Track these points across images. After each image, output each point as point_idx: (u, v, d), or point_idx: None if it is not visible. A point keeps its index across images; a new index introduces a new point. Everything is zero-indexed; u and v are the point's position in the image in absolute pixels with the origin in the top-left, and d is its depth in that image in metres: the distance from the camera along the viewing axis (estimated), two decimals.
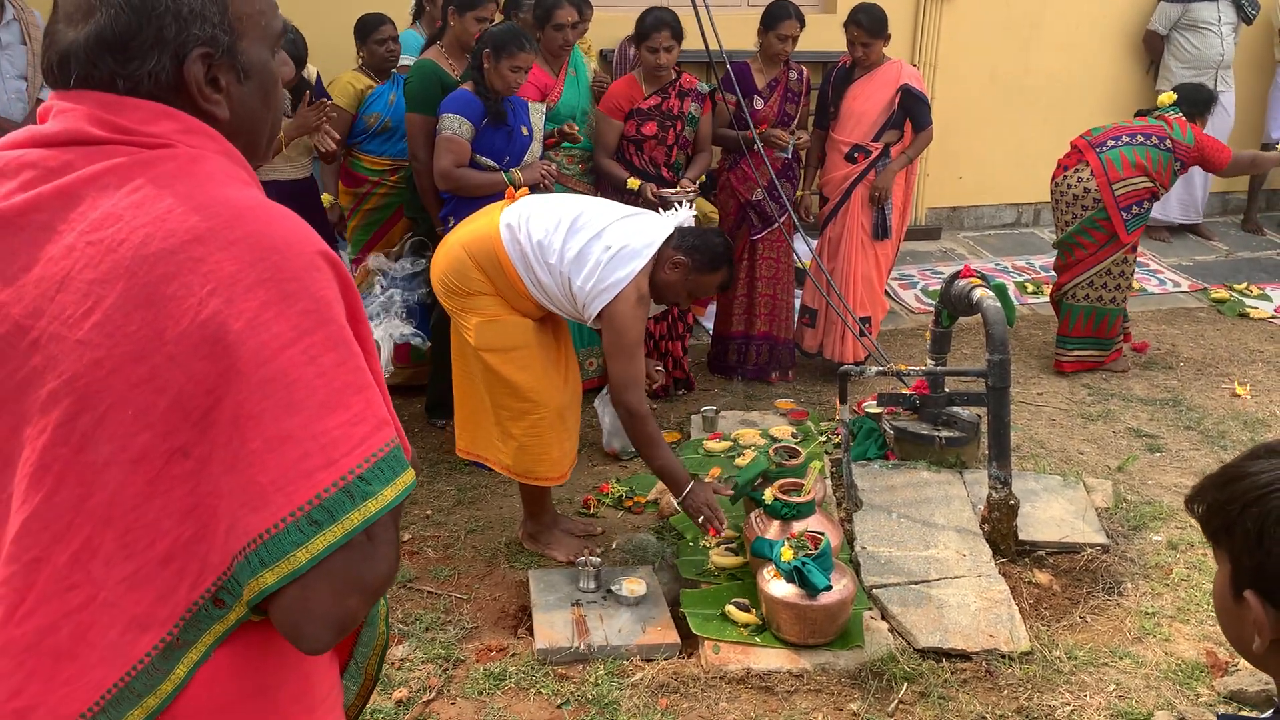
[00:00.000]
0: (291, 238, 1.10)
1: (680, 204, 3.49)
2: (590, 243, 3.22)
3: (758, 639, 3.08)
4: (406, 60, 4.94)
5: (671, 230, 3.31)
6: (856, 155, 4.97)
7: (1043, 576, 3.47)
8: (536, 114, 4.33)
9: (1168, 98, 5.18)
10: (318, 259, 1.11)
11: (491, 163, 4.08)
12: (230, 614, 1.11)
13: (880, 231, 5.05)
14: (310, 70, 4.52)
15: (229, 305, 1.04)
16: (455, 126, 4.00)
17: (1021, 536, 3.59)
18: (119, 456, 1.06)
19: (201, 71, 1.14)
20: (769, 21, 4.82)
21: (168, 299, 1.04)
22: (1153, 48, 7.42)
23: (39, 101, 5.11)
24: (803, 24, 4.85)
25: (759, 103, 4.89)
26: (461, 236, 3.41)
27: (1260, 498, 1.11)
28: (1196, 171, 7.33)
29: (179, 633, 1.10)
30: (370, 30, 4.82)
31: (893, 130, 4.96)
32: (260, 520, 1.05)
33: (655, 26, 4.53)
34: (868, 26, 4.89)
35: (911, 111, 4.97)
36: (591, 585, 3.33)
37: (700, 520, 3.37)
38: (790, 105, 4.98)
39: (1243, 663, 3.06)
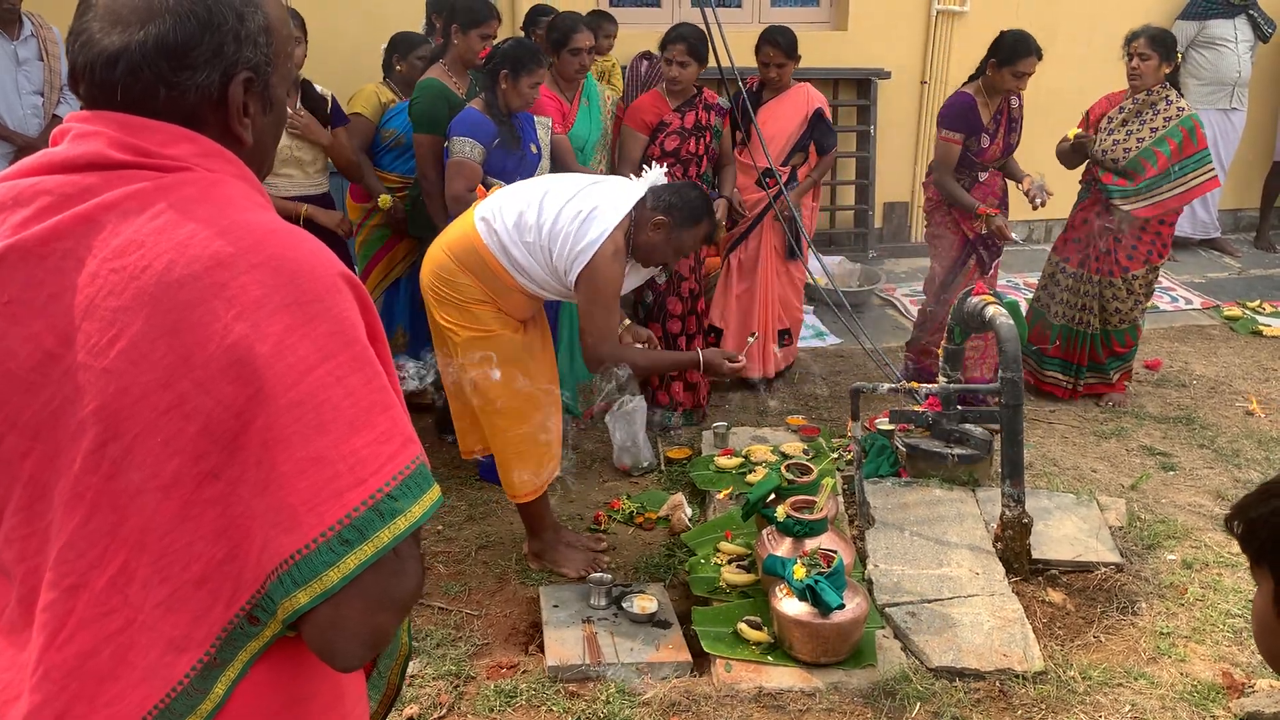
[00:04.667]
0: (313, 260, 1.11)
1: (651, 166, 3.47)
2: (562, 210, 3.23)
3: (770, 657, 3.06)
4: None
5: (644, 191, 3.32)
6: (767, 180, 4.93)
7: (1056, 595, 3.45)
8: (544, 130, 4.33)
9: None
10: (339, 281, 1.12)
11: (501, 184, 4.07)
12: (265, 630, 1.12)
13: (792, 252, 5.07)
14: (325, 92, 4.55)
15: (255, 329, 1.05)
16: (467, 150, 3.98)
17: (1035, 555, 3.57)
18: (150, 483, 1.07)
19: (241, 94, 1.17)
20: (1007, 57, 4.63)
21: (193, 325, 1.05)
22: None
23: (55, 118, 5.15)
24: (1040, 58, 4.70)
25: (985, 140, 4.78)
26: (443, 241, 3.43)
27: None
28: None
29: (216, 652, 1.11)
30: (411, 47, 4.87)
31: (799, 154, 4.97)
32: (292, 541, 1.06)
33: (673, 40, 4.60)
34: (785, 47, 4.86)
35: (819, 135, 4.99)
36: (602, 602, 3.32)
37: (728, 371, 3.50)
38: (1013, 136, 4.92)
39: (1260, 684, 3.04)
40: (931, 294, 5.07)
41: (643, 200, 3.30)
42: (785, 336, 5.25)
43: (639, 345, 3.68)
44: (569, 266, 3.22)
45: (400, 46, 4.93)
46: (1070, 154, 5.05)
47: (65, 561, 1.09)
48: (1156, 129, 4.85)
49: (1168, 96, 4.85)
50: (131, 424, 1.06)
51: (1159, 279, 5.77)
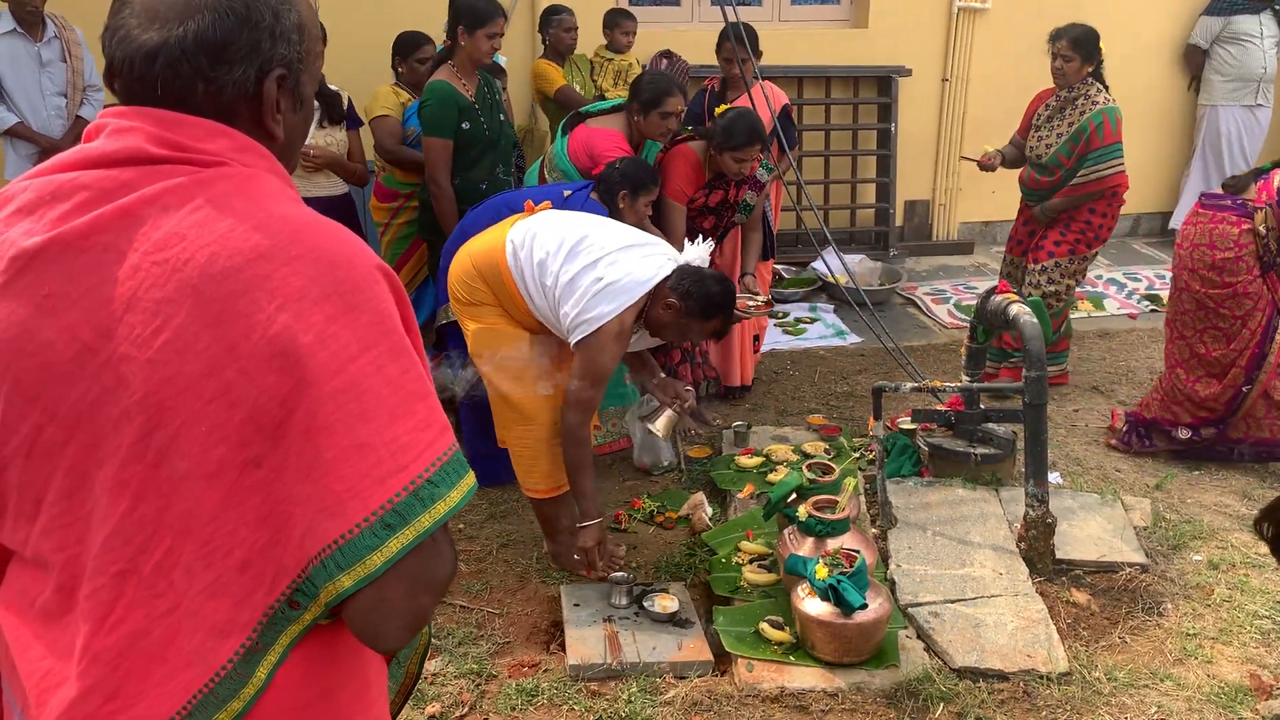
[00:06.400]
0: (350, 252, 1.13)
1: (701, 241, 3.41)
2: (584, 271, 3.18)
3: (792, 657, 3.05)
4: None
5: (671, 270, 3.25)
6: None
7: (1081, 596, 3.42)
8: None
9: None
10: (375, 272, 1.14)
11: (549, 204, 4.04)
12: (305, 614, 1.14)
13: (768, 251, 5.00)
14: (343, 93, 4.58)
15: (298, 319, 1.07)
16: None
17: (1059, 555, 3.54)
18: (195, 471, 1.09)
19: (275, 91, 1.19)
20: None
21: (237, 315, 1.07)
22: (1193, 63, 7.36)
23: (78, 119, 5.18)
24: None
25: None
26: (472, 248, 3.44)
27: None
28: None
29: (258, 636, 1.13)
30: (413, 49, 4.89)
31: (764, 152, 4.79)
32: (336, 526, 1.08)
33: (750, 142, 4.23)
34: (745, 42, 4.78)
35: (785, 131, 4.91)
36: (623, 601, 3.32)
37: (575, 558, 3.49)
38: None
39: None
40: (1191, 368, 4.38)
41: (667, 278, 3.24)
42: (756, 341, 5.14)
43: (673, 402, 3.59)
44: (571, 329, 3.20)
45: (402, 49, 4.92)
46: (1008, 158, 5.22)
47: (112, 549, 1.11)
48: (1073, 124, 4.87)
49: (1086, 92, 4.86)
50: (176, 413, 1.08)
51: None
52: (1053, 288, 5.02)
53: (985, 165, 5.24)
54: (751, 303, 4.13)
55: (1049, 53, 4.88)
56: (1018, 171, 5.26)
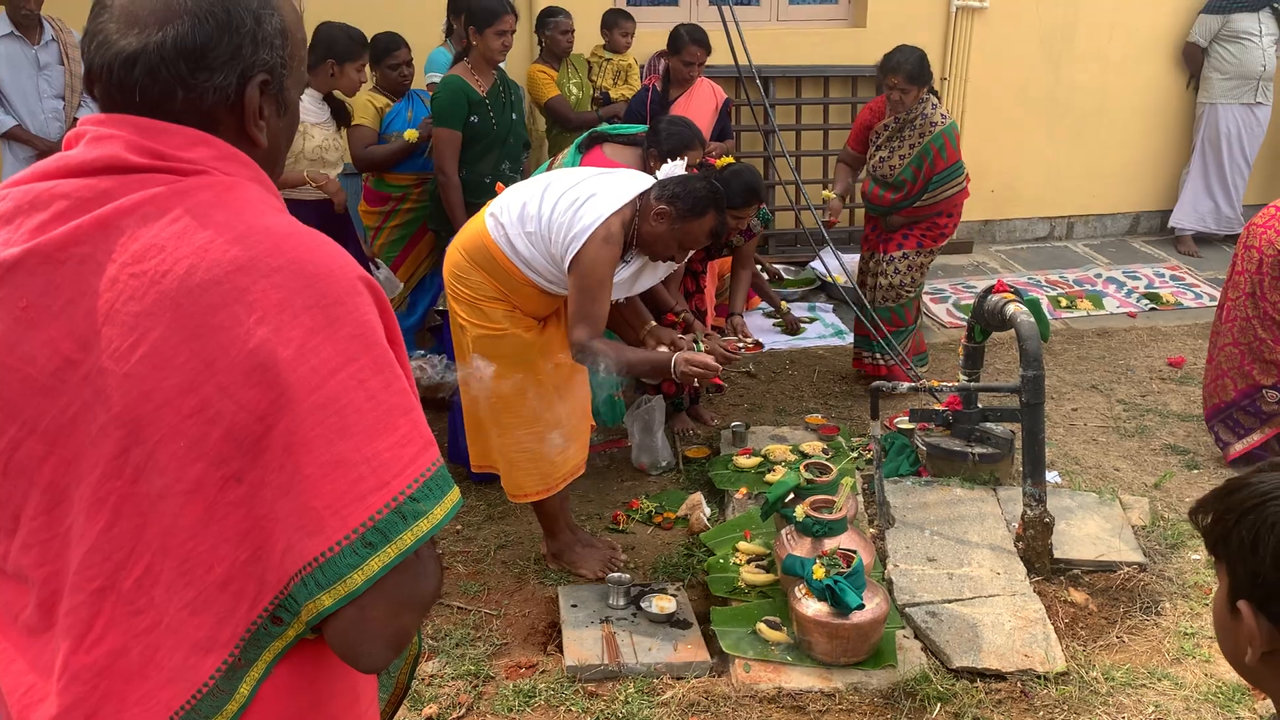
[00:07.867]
0: (332, 263, 1.11)
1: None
2: (561, 198, 3.22)
3: (789, 658, 3.05)
4: (434, 78, 4.98)
5: (651, 183, 3.29)
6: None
7: (1079, 595, 3.42)
8: None
9: None
10: (358, 284, 1.12)
11: (518, 179, 4.03)
12: (289, 630, 1.12)
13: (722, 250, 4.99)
14: (347, 101, 4.58)
15: (277, 333, 1.05)
16: None
17: (1057, 554, 3.54)
18: (174, 488, 1.07)
19: (258, 97, 1.17)
20: None
21: (215, 329, 1.05)
22: (1193, 60, 7.35)
23: (75, 121, 5.19)
24: None
25: None
26: (458, 241, 3.44)
27: (1257, 505, 1.12)
28: (1232, 182, 7.31)
29: (240, 653, 1.12)
30: (384, 54, 4.83)
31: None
32: (316, 544, 1.06)
33: (746, 201, 4.20)
34: (707, 45, 4.94)
35: (725, 125, 5.07)
36: (621, 602, 3.32)
37: (697, 382, 3.41)
38: None
39: None
40: None
41: (649, 191, 3.27)
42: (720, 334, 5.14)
43: (662, 348, 3.61)
44: (564, 253, 3.19)
45: (375, 55, 4.84)
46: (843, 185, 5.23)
47: (91, 565, 1.10)
48: (914, 145, 4.87)
49: (923, 111, 4.85)
50: (154, 429, 1.06)
51: (1183, 275, 5.61)
52: (898, 278, 5.04)
53: (831, 223, 5.10)
54: (740, 345, 4.11)
55: (882, 82, 4.83)
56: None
